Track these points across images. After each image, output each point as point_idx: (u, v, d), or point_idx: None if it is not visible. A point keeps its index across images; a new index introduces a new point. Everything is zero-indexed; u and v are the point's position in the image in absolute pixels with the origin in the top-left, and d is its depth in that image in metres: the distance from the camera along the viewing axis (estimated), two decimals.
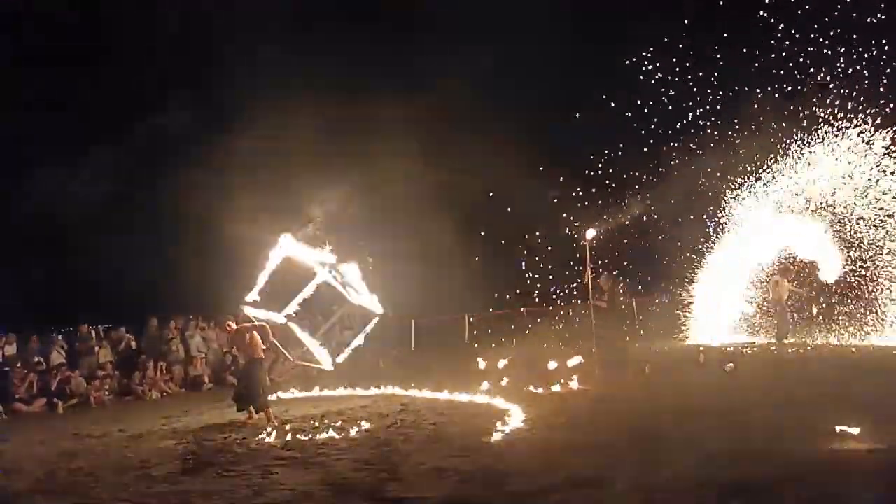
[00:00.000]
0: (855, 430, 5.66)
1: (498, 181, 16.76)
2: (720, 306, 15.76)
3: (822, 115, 14.22)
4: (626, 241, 16.11)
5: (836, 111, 14.15)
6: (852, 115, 13.94)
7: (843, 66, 14.17)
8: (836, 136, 14.14)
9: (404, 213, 16.08)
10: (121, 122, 15.82)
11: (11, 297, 13.34)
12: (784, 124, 14.57)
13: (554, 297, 17.20)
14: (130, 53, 16.22)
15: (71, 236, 15.08)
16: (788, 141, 14.67)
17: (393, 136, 15.19)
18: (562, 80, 18.06)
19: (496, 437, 6.64)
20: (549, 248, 16.35)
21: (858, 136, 13.84)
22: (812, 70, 14.38)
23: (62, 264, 15.50)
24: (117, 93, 16.24)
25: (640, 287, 17.47)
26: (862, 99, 13.86)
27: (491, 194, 16.68)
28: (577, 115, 16.56)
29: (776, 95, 14.65)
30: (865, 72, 14.00)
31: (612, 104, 15.90)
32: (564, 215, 15.47)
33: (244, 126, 14.88)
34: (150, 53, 16.24)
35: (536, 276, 17.10)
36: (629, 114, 15.86)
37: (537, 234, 16.95)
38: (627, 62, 15.61)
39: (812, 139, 14.47)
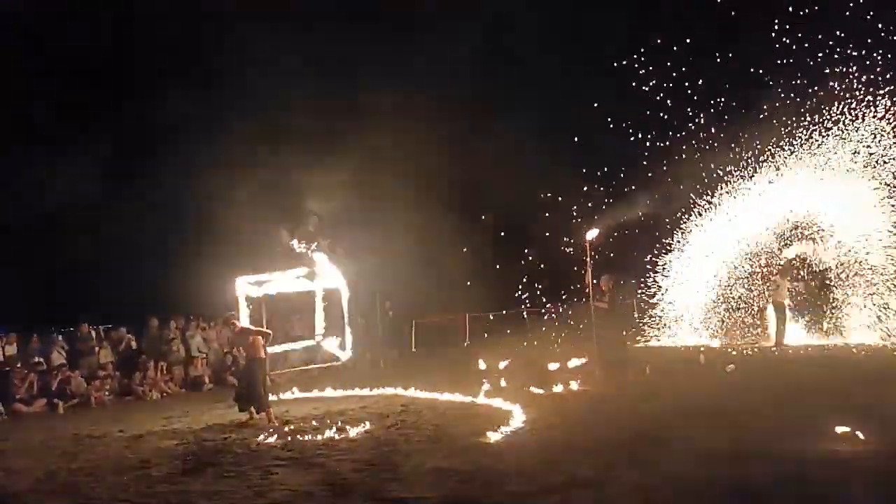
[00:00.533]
0: (855, 431, 5.66)
1: (499, 182, 16.79)
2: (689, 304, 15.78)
3: (839, 88, 13.61)
4: (614, 246, 16.14)
5: (857, 85, 13.45)
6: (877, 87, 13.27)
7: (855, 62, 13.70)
8: (857, 116, 13.54)
9: (405, 212, 16.09)
10: (120, 119, 15.70)
11: (11, 296, 13.33)
12: (789, 102, 14.23)
13: (555, 298, 17.21)
14: (127, 43, 15.94)
15: (69, 233, 15.00)
16: (798, 124, 14.26)
17: (394, 139, 15.22)
18: (560, 81, 18.11)
19: (496, 437, 6.65)
20: (550, 249, 16.36)
21: (883, 118, 13.34)
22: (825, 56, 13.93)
23: (60, 263, 15.44)
24: (113, 89, 16.07)
25: (641, 288, 17.45)
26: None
27: (483, 217, 16.64)
28: (576, 137, 16.57)
29: (780, 91, 14.52)
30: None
31: (609, 116, 15.95)
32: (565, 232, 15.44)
33: (245, 121, 14.84)
34: (147, 46, 15.97)
35: (537, 277, 17.13)
36: (628, 122, 15.90)
37: (530, 247, 16.97)
38: (616, 64, 15.62)
39: (825, 120, 13.96)
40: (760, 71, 14.52)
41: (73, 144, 15.08)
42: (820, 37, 13.92)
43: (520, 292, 17.73)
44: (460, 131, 16.88)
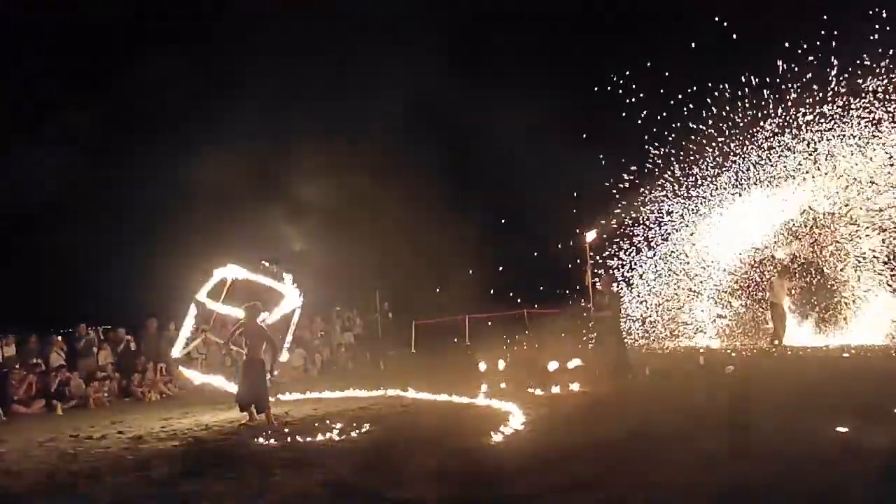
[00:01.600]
0: (854, 431, 5.66)
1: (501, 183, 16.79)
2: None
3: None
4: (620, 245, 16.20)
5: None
6: None
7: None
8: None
9: (404, 212, 16.07)
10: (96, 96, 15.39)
11: (9, 297, 13.27)
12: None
13: (554, 298, 17.21)
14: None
15: (68, 233, 14.83)
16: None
17: (395, 136, 15.21)
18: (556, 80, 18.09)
19: (496, 438, 6.64)
20: (549, 250, 16.36)
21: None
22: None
23: (58, 263, 15.28)
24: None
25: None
26: None
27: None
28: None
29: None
30: None
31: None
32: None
33: (244, 117, 14.72)
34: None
35: (537, 277, 17.13)
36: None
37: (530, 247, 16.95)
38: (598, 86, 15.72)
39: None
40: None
41: (62, 138, 14.85)
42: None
43: (520, 293, 17.75)
44: (461, 133, 16.87)
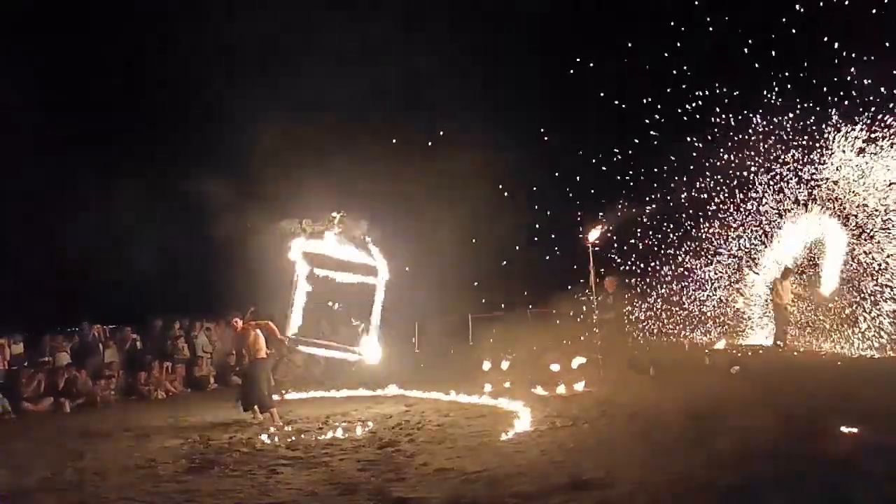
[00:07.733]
0: (856, 431, 5.67)
1: (499, 183, 16.75)
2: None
3: None
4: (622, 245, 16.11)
5: None
6: None
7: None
8: None
9: (406, 213, 16.05)
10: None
11: (17, 296, 13.32)
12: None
13: (559, 298, 17.17)
14: None
15: (76, 235, 14.83)
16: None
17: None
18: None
19: (500, 438, 6.67)
20: (553, 249, 16.31)
21: None
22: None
23: (63, 262, 15.28)
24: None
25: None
26: None
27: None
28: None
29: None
30: None
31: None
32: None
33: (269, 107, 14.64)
34: None
35: (539, 277, 17.10)
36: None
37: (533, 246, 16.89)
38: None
39: None
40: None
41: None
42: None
43: (523, 292, 17.71)
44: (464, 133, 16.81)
